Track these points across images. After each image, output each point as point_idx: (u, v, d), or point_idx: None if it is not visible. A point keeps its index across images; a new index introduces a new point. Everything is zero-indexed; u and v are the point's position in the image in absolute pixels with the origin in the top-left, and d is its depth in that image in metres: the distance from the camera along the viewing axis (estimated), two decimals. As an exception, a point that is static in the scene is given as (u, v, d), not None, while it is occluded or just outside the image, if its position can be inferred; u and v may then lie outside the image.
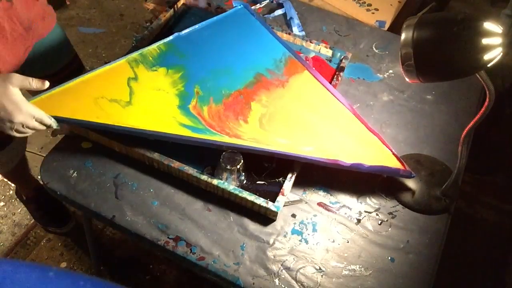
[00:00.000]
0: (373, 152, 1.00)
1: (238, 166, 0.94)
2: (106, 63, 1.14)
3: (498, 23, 0.73)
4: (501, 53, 0.72)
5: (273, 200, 0.93)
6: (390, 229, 0.96)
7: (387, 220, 0.97)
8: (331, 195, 1.00)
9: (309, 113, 1.05)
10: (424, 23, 0.76)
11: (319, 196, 1.00)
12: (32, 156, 1.73)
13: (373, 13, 1.64)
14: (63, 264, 1.59)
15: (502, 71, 1.83)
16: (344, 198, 1.00)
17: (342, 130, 1.02)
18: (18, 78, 0.85)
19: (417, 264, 0.92)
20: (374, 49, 1.31)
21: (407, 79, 0.81)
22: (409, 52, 0.76)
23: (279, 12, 1.38)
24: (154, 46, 1.11)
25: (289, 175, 0.97)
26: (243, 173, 0.97)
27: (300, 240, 0.93)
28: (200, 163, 1.01)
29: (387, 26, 1.60)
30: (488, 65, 0.74)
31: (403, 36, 0.77)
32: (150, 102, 1.02)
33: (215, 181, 0.95)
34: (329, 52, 1.25)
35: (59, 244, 1.62)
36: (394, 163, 0.99)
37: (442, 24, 0.76)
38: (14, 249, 1.62)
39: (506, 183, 1.87)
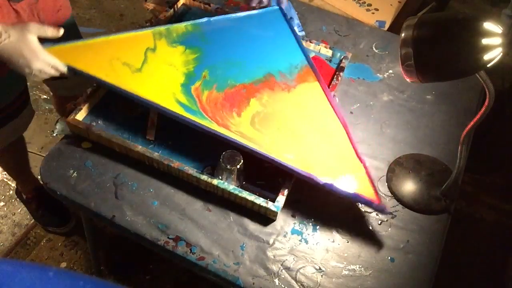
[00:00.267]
0: (352, 177, 0.95)
1: (238, 166, 0.94)
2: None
3: (498, 23, 0.73)
4: (501, 53, 0.72)
5: (273, 200, 0.93)
6: (390, 229, 0.96)
7: (387, 220, 0.97)
8: (331, 195, 1.00)
9: (303, 122, 1.03)
10: (424, 23, 0.76)
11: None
12: (32, 156, 1.73)
13: (373, 13, 1.64)
14: (63, 264, 1.59)
15: (502, 71, 1.83)
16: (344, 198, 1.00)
17: (329, 148, 0.99)
18: (35, 26, 0.90)
19: (417, 264, 0.92)
20: (374, 49, 1.31)
21: (407, 79, 0.81)
22: (409, 52, 0.76)
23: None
24: (182, 24, 1.15)
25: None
26: (243, 173, 0.97)
27: (300, 240, 0.93)
28: (200, 163, 1.01)
29: (387, 26, 1.60)
30: (488, 65, 0.74)
31: (403, 36, 0.77)
32: (158, 74, 1.05)
33: (215, 181, 0.95)
34: (329, 52, 1.25)
35: (59, 244, 1.62)
36: (370, 194, 0.93)
37: (442, 24, 0.76)
38: (14, 249, 1.62)
39: (506, 183, 1.87)
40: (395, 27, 1.61)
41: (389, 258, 0.92)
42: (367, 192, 0.93)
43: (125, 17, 2.44)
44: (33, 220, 1.67)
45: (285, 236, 0.94)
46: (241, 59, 1.13)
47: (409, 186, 1.01)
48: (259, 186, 0.98)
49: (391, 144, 1.10)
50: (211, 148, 0.99)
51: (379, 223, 0.97)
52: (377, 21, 1.60)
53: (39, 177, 1.58)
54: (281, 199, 0.94)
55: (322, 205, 0.98)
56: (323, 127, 1.03)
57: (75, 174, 1.00)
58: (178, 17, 1.33)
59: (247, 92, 1.07)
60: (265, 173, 1.00)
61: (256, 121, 1.01)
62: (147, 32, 1.11)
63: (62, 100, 1.49)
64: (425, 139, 1.12)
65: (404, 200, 1.00)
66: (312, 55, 1.25)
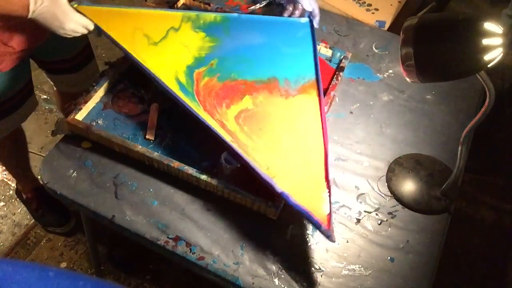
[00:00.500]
0: (312, 195, 0.90)
1: (239, 165, 0.94)
2: (106, 63, 1.15)
3: (498, 23, 0.73)
4: (502, 54, 0.72)
5: (273, 200, 0.93)
6: (389, 229, 0.96)
7: (386, 220, 0.97)
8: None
9: (287, 130, 1.01)
10: (424, 23, 0.76)
11: (319, 196, 1.00)
12: (32, 156, 1.73)
13: (373, 13, 1.64)
14: (63, 264, 1.59)
15: (502, 71, 1.83)
16: (344, 198, 1.00)
17: (301, 161, 0.95)
18: None
19: (417, 264, 0.92)
20: (374, 49, 1.32)
21: (407, 79, 0.81)
22: (409, 52, 0.76)
23: (279, 12, 1.38)
24: (212, 14, 1.20)
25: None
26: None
27: (300, 240, 0.93)
28: (200, 163, 1.01)
29: (387, 26, 1.60)
30: (489, 66, 0.74)
31: (403, 36, 0.77)
32: (170, 51, 1.09)
33: (215, 181, 0.95)
34: (329, 52, 1.25)
35: (59, 244, 1.63)
36: (321, 216, 0.86)
37: (442, 24, 0.76)
38: (14, 249, 1.62)
39: (506, 183, 1.87)
40: (395, 27, 1.61)
41: (389, 258, 0.92)
42: (320, 214, 0.86)
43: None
44: (33, 220, 1.67)
45: (285, 236, 0.94)
46: (252, 57, 1.14)
47: (409, 186, 1.01)
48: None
49: (391, 144, 1.10)
50: (210, 148, 0.99)
51: (379, 223, 0.97)
52: (377, 21, 1.60)
53: (39, 177, 1.58)
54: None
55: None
56: (304, 140, 0.99)
57: (75, 174, 1.00)
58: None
59: (245, 89, 1.07)
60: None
61: (242, 116, 1.01)
62: (177, 13, 1.17)
63: (65, 97, 1.50)
64: (425, 139, 1.12)
65: (404, 200, 1.00)
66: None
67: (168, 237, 0.92)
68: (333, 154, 1.07)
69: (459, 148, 0.91)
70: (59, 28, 0.97)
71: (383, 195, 1.01)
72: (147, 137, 1.04)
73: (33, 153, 1.83)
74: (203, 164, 1.01)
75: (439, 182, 1.00)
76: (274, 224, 0.95)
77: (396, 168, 1.04)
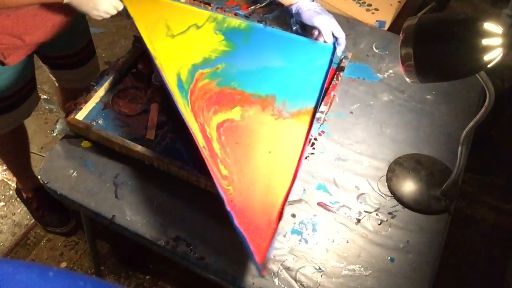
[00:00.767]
0: (259, 223, 0.86)
1: (238, 166, 0.94)
2: (106, 63, 1.15)
3: (498, 23, 0.73)
4: (502, 54, 0.72)
5: (273, 200, 0.93)
6: (390, 229, 0.96)
7: (387, 220, 0.97)
8: (331, 195, 1.00)
9: (262, 151, 0.97)
10: (424, 23, 0.76)
11: (319, 196, 1.00)
12: (32, 156, 1.73)
13: (373, 13, 1.64)
14: (63, 264, 1.59)
15: (502, 71, 1.83)
16: (344, 198, 1.00)
17: (263, 186, 0.92)
18: None
19: (417, 264, 0.92)
20: (374, 49, 1.32)
21: (407, 79, 0.81)
22: (409, 52, 0.76)
23: (279, 12, 1.38)
24: (238, 20, 1.20)
25: (289, 175, 0.97)
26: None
27: (300, 240, 0.93)
28: (200, 163, 1.01)
29: (387, 26, 1.60)
30: (488, 66, 0.74)
31: (402, 36, 0.77)
32: (183, 47, 1.10)
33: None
34: (329, 52, 1.25)
35: (59, 244, 1.63)
36: (258, 247, 0.82)
37: (442, 24, 0.76)
38: (14, 249, 1.62)
39: (506, 183, 1.87)
40: (395, 27, 1.61)
41: (389, 258, 0.92)
42: (259, 245, 0.82)
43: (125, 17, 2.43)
44: (33, 220, 1.67)
45: (284, 236, 0.94)
46: (259, 71, 1.12)
47: (409, 186, 1.01)
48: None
49: (391, 144, 1.10)
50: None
51: (379, 223, 0.97)
52: (377, 21, 1.60)
53: (39, 177, 1.58)
54: (281, 199, 0.93)
55: (322, 205, 0.98)
56: (273, 170, 0.95)
57: (75, 174, 1.00)
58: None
59: (239, 100, 1.05)
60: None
61: (225, 126, 1.00)
62: (206, 12, 1.19)
63: (66, 93, 1.50)
64: (425, 139, 1.12)
65: (404, 200, 1.00)
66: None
67: (168, 237, 0.92)
68: (333, 154, 1.07)
69: (459, 148, 0.91)
70: (92, 10, 1.02)
71: (383, 195, 1.01)
72: (147, 137, 1.04)
73: (33, 153, 1.83)
74: (203, 164, 1.01)
75: (439, 182, 1.00)
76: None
77: (396, 168, 1.04)
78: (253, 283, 0.87)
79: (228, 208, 0.82)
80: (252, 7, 1.37)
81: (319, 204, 0.99)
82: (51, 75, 1.43)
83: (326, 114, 1.12)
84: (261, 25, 1.21)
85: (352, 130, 1.12)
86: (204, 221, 0.94)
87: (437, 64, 0.77)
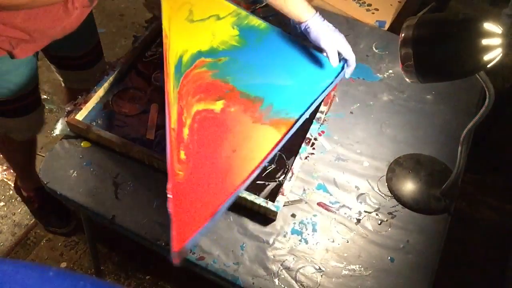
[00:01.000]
0: (193, 213, 0.84)
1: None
2: (106, 63, 1.14)
3: (498, 23, 0.73)
4: (501, 54, 0.72)
5: (273, 200, 0.93)
6: (389, 229, 0.96)
7: (386, 220, 0.97)
8: (331, 195, 1.00)
9: (225, 147, 0.95)
10: (424, 23, 0.76)
11: (319, 196, 1.00)
12: (32, 156, 1.73)
13: (373, 13, 1.64)
14: (63, 264, 1.59)
15: (502, 71, 1.83)
16: (344, 198, 1.00)
17: (209, 183, 0.89)
18: None
19: (417, 264, 0.92)
20: (374, 49, 1.32)
21: (407, 79, 0.81)
22: (408, 52, 0.76)
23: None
24: (260, 20, 1.19)
25: (289, 175, 0.97)
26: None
27: (300, 240, 0.93)
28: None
29: (387, 26, 1.60)
30: (488, 66, 0.74)
31: (402, 36, 0.77)
32: (197, 33, 1.10)
33: (215, 181, 0.94)
34: (329, 52, 1.25)
35: (59, 244, 1.62)
36: (180, 235, 0.77)
37: (442, 24, 0.76)
38: (14, 249, 1.62)
39: (507, 183, 1.87)
40: (395, 27, 1.61)
41: (389, 258, 0.92)
42: (182, 234, 0.78)
43: (125, 17, 2.43)
44: (33, 220, 1.67)
45: (285, 236, 0.94)
46: (259, 72, 1.11)
47: (409, 186, 1.01)
48: (259, 186, 0.98)
49: (391, 144, 1.10)
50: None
51: (379, 223, 0.97)
52: (377, 21, 1.60)
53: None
54: (281, 199, 0.94)
55: (322, 205, 0.98)
56: (233, 166, 0.93)
57: (75, 174, 1.00)
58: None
59: (227, 94, 1.03)
60: (265, 173, 1.00)
61: (202, 114, 0.97)
62: (232, 6, 1.18)
63: (73, 94, 1.50)
64: (425, 139, 1.12)
65: (404, 200, 1.00)
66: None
67: (168, 237, 0.92)
68: (333, 154, 1.07)
69: (459, 148, 0.91)
70: None
71: (383, 195, 1.01)
72: (147, 137, 1.05)
73: (33, 153, 1.83)
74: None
75: (439, 182, 1.00)
76: (274, 224, 0.95)
77: (396, 168, 1.04)
78: (253, 283, 0.87)
79: (169, 191, 0.81)
80: (252, 7, 1.37)
81: (319, 204, 0.99)
82: (58, 75, 1.43)
83: (326, 114, 1.12)
84: (279, 29, 1.19)
85: (352, 130, 1.12)
86: (204, 221, 0.94)
87: (437, 64, 0.77)
